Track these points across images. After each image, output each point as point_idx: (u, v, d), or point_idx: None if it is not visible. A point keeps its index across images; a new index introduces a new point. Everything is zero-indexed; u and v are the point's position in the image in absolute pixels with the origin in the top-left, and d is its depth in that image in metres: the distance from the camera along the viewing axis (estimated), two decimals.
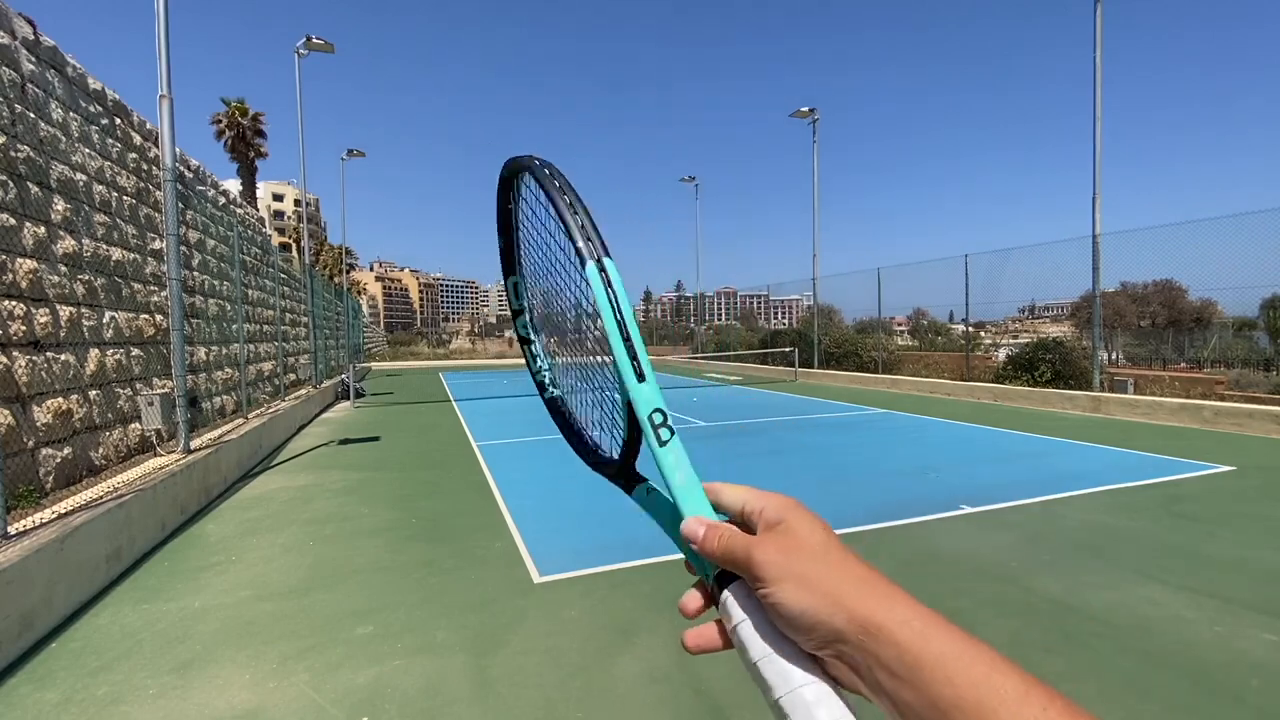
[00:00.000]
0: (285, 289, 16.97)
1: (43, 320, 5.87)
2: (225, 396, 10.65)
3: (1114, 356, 21.18)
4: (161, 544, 5.39)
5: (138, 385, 7.54)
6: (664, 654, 3.39)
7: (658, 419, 0.49)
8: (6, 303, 5.42)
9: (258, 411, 10.77)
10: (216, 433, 8.38)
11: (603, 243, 0.50)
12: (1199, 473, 7.32)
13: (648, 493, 0.53)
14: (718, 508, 0.48)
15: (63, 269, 6.34)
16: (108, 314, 7.13)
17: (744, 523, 0.46)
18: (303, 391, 14.63)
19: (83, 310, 6.60)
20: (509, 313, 0.68)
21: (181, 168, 9.72)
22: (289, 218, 76.44)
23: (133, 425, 7.22)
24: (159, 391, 7.32)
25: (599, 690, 3.07)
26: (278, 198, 79.12)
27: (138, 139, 8.58)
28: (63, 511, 4.58)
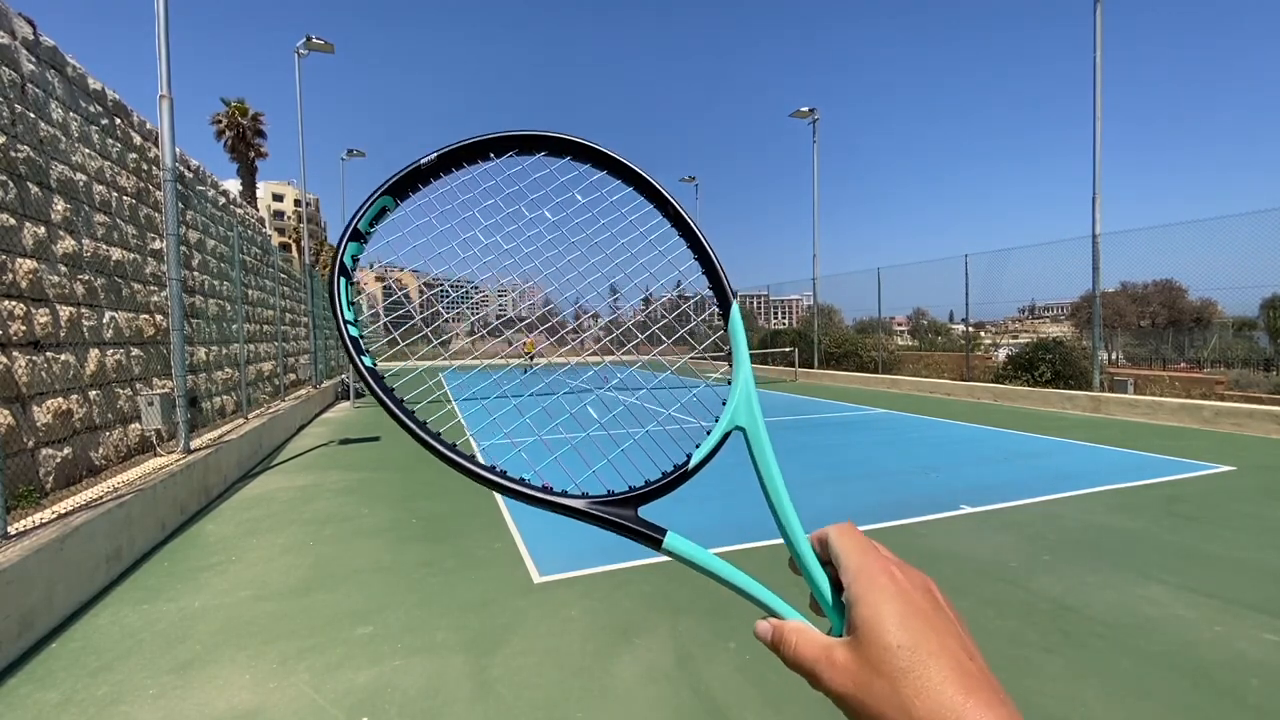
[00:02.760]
0: (285, 289, 16.96)
1: (43, 320, 5.87)
2: (225, 396, 10.64)
3: (1114, 356, 21.17)
4: (161, 544, 5.39)
5: (138, 385, 7.54)
6: (664, 654, 3.39)
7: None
8: (6, 303, 5.42)
9: (258, 412, 10.77)
10: (216, 433, 8.38)
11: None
12: (1199, 473, 7.32)
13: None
14: (823, 558, 0.46)
15: (63, 269, 6.34)
16: (108, 314, 7.13)
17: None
18: (303, 391, 14.63)
19: (83, 310, 6.59)
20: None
21: (181, 168, 9.72)
22: (289, 218, 76.41)
23: (133, 425, 7.21)
24: (159, 391, 7.32)
25: (599, 690, 3.07)
26: (278, 198, 79.08)
27: (138, 139, 8.58)
28: (63, 511, 4.58)
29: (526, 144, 0.59)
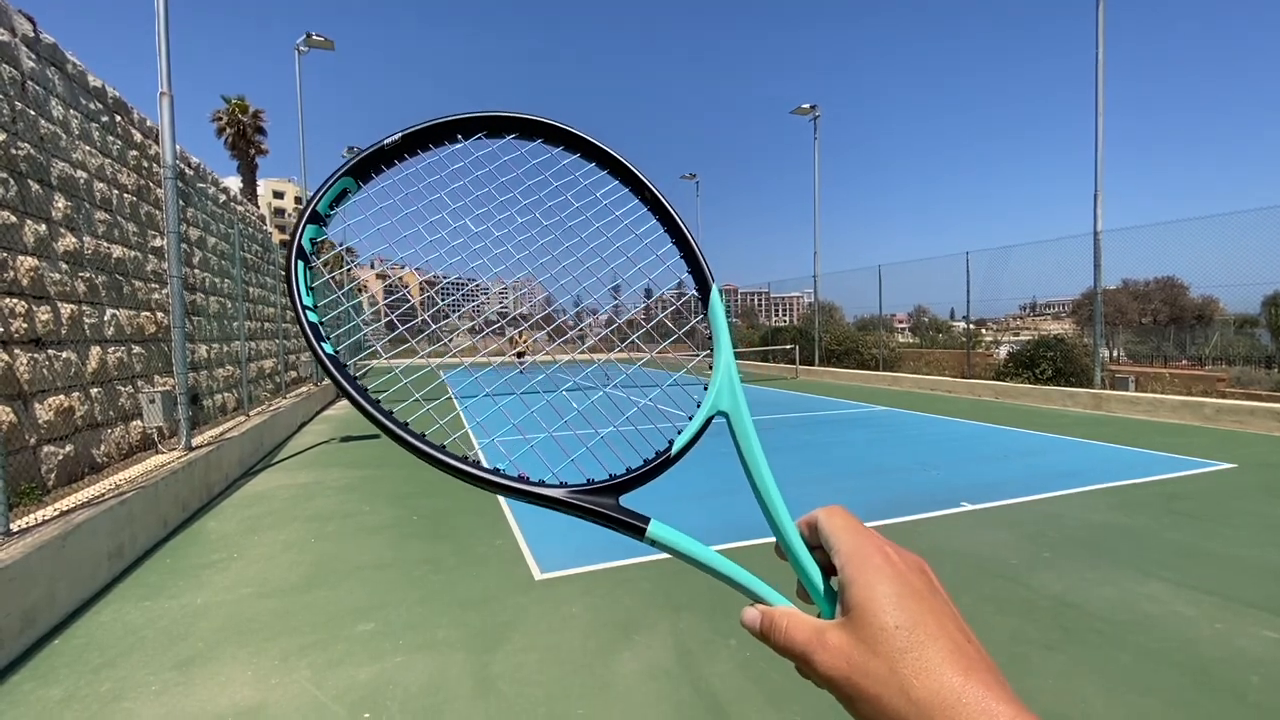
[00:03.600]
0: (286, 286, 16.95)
1: (44, 318, 5.88)
2: (226, 394, 10.66)
3: (1115, 354, 21.15)
4: (163, 541, 5.40)
5: (139, 383, 7.55)
6: (664, 651, 3.40)
7: None
8: (8, 300, 5.43)
9: (259, 409, 10.78)
10: (218, 430, 8.39)
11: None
12: (1200, 470, 7.31)
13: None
14: (811, 543, 0.44)
15: (64, 266, 6.34)
16: (109, 311, 7.13)
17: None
18: (304, 389, 14.64)
19: (84, 308, 6.60)
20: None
21: (182, 165, 9.71)
22: (290, 215, 76.43)
23: (134, 422, 7.22)
24: (160, 389, 7.33)
25: (600, 687, 3.08)
26: (278, 195, 79.08)
27: (138, 136, 8.57)
28: (65, 509, 4.59)
29: (495, 126, 0.56)
